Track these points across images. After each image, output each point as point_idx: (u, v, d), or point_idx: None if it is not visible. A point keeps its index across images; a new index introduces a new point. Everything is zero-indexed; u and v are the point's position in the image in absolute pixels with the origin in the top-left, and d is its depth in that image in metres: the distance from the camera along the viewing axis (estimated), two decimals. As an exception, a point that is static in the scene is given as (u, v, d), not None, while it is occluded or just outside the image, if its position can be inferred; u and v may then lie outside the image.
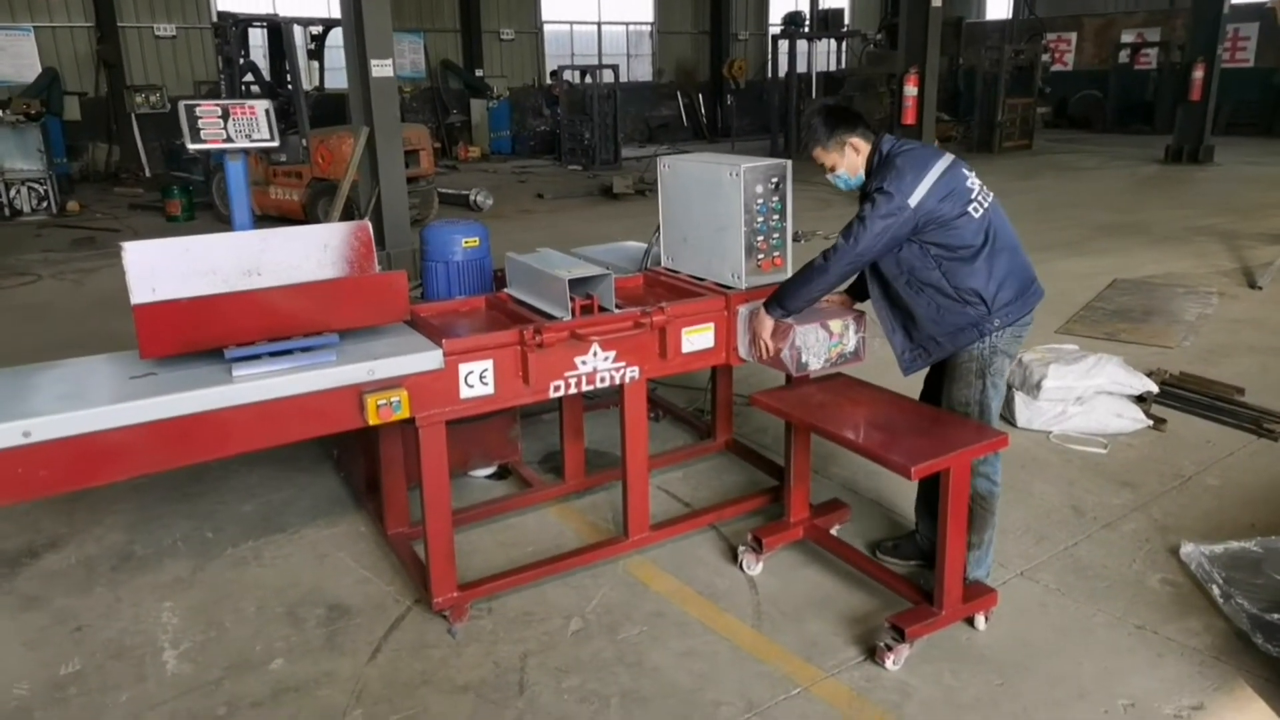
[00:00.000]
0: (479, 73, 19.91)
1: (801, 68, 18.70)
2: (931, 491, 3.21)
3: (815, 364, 3.21)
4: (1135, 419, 4.53)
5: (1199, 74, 14.44)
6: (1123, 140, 18.82)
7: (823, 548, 3.48)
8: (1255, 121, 18.92)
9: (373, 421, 2.75)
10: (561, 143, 17.43)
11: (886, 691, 2.80)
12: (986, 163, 15.77)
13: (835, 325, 3.23)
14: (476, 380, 2.93)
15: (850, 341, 3.26)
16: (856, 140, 3.06)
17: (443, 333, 2.96)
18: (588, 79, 17.19)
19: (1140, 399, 4.66)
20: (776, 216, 3.39)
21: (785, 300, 3.12)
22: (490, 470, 4.16)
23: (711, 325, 3.38)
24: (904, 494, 3.88)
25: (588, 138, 16.81)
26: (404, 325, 3.06)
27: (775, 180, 3.35)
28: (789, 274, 3.51)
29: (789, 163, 3.41)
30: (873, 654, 2.93)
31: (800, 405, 3.20)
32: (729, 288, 3.44)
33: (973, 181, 2.96)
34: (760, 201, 3.33)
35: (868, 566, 3.30)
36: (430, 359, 2.85)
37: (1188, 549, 3.42)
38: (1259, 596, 3.13)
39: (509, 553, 3.58)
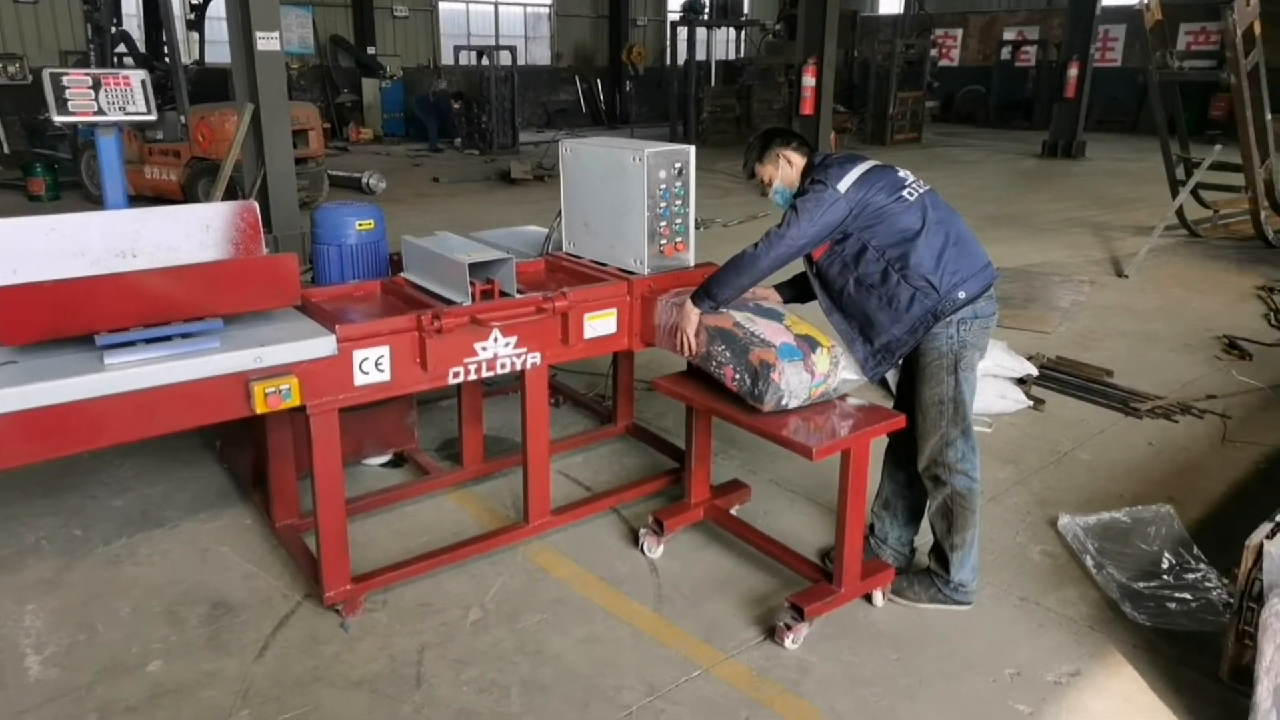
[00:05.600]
0: (371, 51, 19.30)
1: (701, 56, 18.81)
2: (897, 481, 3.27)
3: (794, 404, 2.90)
4: (1017, 400, 4.74)
5: (1073, 72, 15.19)
6: (1004, 135, 19.65)
7: (723, 528, 3.51)
8: (1122, 119, 20.04)
9: (260, 410, 2.63)
10: (456, 127, 17.04)
11: (786, 670, 2.84)
12: (880, 155, 15.91)
13: (821, 364, 2.90)
14: (372, 367, 2.84)
15: (834, 381, 2.97)
16: (789, 153, 3.11)
17: (336, 318, 2.85)
18: (484, 60, 16.88)
19: (1021, 381, 4.88)
20: (679, 202, 3.39)
21: (714, 290, 3.00)
22: (385, 458, 4.05)
23: (614, 310, 3.36)
24: (804, 474, 3.95)
25: (485, 121, 16.53)
26: (294, 310, 2.93)
27: (678, 166, 3.34)
28: (691, 261, 3.53)
29: (692, 148, 3.41)
30: (772, 634, 2.97)
31: (702, 389, 3.20)
32: (631, 273, 3.43)
33: (904, 173, 3.00)
34: (663, 187, 3.32)
35: (768, 546, 3.34)
36: (323, 345, 2.73)
37: (1064, 521, 3.61)
38: (1127, 565, 3.32)
39: (405, 542, 3.49)
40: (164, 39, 10.56)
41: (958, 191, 11.47)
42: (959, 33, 23.82)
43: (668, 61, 20.48)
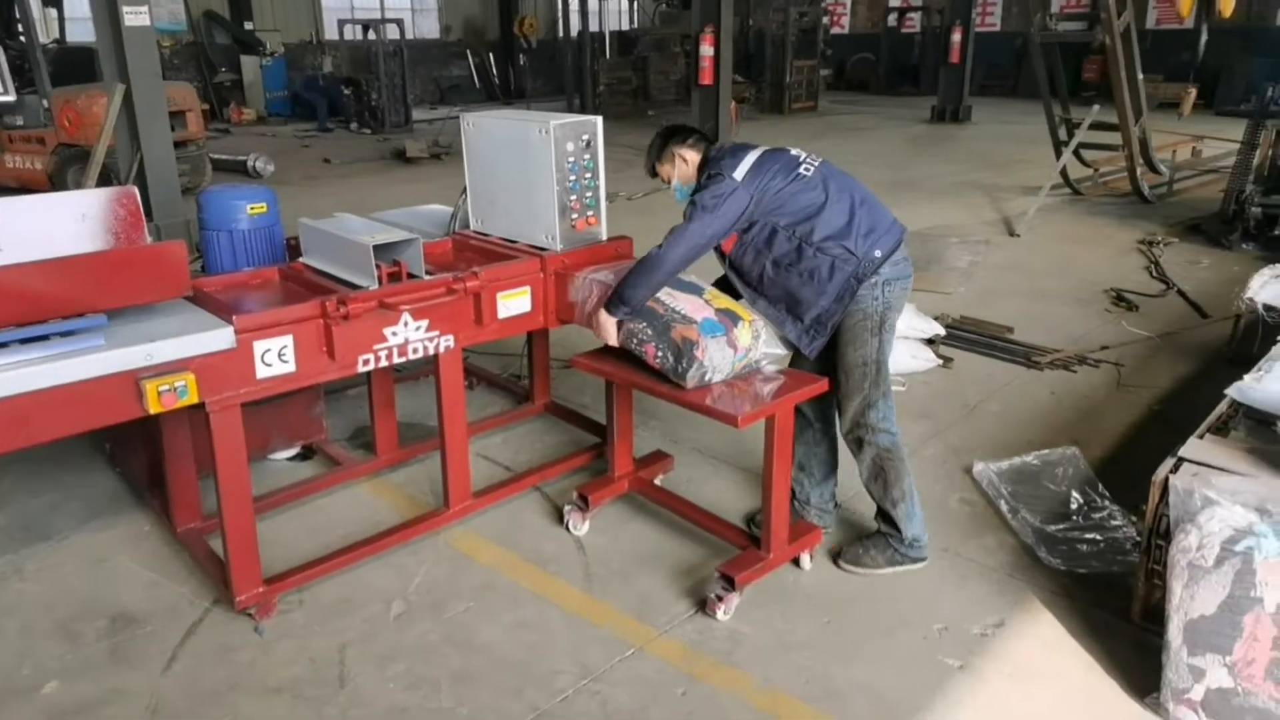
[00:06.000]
0: (249, 26, 18.40)
1: (594, 26, 18.59)
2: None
3: (717, 379, 2.89)
4: (928, 359, 4.85)
5: (957, 37, 15.60)
6: (894, 101, 20.08)
7: (649, 500, 3.49)
8: (1003, 83, 20.69)
9: (154, 410, 2.45)
10: (346, 106, 16.43)
11: (719, 642, 2.83)
12: (779, 124, 16.39)
13: (743, 338, 2.90)
14: (275, 358, 2.68)
15: (757, 353, 2.98)
16: (685, 151, 3.09)
17: (232, 308, 2.68)
18: (371, 35, 16.31)
19: (930, 341, 4.99)
20: (589, 175, 3.31)
21: (627, 295, 2.91)
22: (293, 451, 3.87)
23: (528, 289, 3.27)
24: (726, 441, 3.95)
25: (375, 99, 16.00)
26: (185, 302, 2.74)
27: (586, 138, 3.26)
28: (603, 234, 3.46)
29: (599, 119, 3.33)
30: (704, 606, 2.96)
31: (623, 365, 3.14)
32: (544, 249, 3.34)
33: (796, 151, 3.01)
34: (571, 160, 3.24)
35: (694, 515, 3.33)
36: (219, 338, 2.56)
37: (978, 467, 3.73)
38: (1039, 508, 3.45)
39: (320, 537, 3.34)
40: (16, 15, 9.79)
41: (856, 159, 11.67)
42: (848, 0, 24.18)
43: (560, 33, 20.14)
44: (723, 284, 3.20)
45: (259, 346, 2.65)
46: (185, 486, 3.21)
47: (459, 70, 22.16)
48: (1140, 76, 8.72)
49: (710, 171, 2.94)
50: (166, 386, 2.41)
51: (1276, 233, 6.97)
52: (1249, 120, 7.46)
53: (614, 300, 2.97)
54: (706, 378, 2.84)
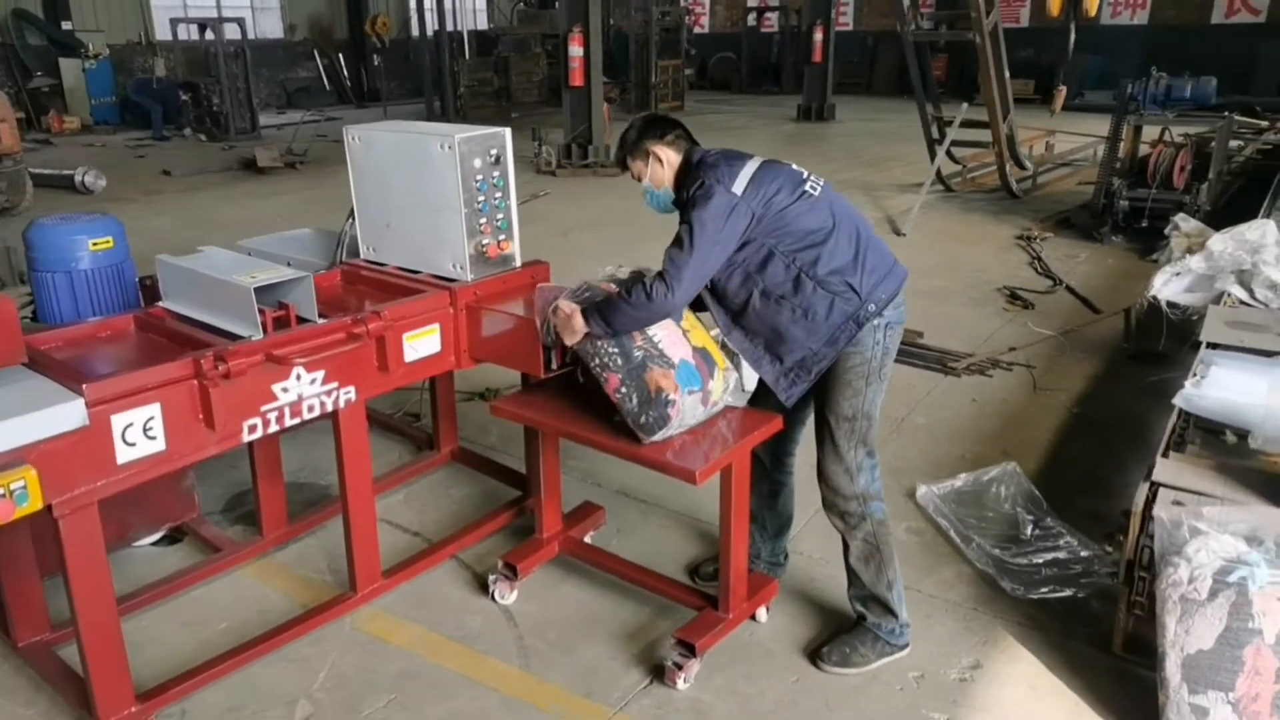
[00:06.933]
0: (67, 26, 16.75)
1: (451, 25, 17.92)
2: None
3: (677, 433, 2.56)
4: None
5: (819, 37, 15.82)
6: (759, 100, 20.27)
7: (581, 560, 3.14)
8: (858, 81, 21.26)
9: (-18, 520, 1.93)
10: (183, 112, 15.20)
11: (682, 715, 2.55)
12: (643, 123, 16.16)
13: (715, 391, 2.59)
14: (139, 434, 2.19)
15: (723, 403, 2.65)
16: (662, 149, 2.64)
17: (79, 373, 2.17)
18: (208, 35, 15.13)
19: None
20: (499, 194, 2.94)
21: (614, 323, 2.49)
22: (158, 535, 3.27)
23: (437, 326, 2.86)
24: (653, 480, 3.63)
25: (216, 104, 14.85)
26: (20, 368, 2.21)
27: (494, 152, 2.89)
28: (517, 259, 3.09)
29: (507, 130, 2.96)
30: (660, 674, 2.65)
31: (551, 411, 2.78)
32: (452, 280, 2.94)
33: (797, 167, 2.63)
34: (480, 178, 2.86)
35: (635, 575, 3.00)
36: (67, 414, 2.06)
37: (921, 491, 3.57)
38: (991, 532, 3.31)
39: (199, 635, 2.84)
40: None
41: (730, 158, 11.59)
42: (707, 0, 24.33)
43: (414, 32, 19.32)
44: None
45: (118, 422, 2.15)
46: (26, 594, 2.63)
47: (306, 72, 20.97)
48: (1007, 74, 8.95)
49: (703, 180, 2.48)
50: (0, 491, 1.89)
51: (1144, 225, 7.23)
52: (1112, 116, 7.73)
53: (597, 316, 2.51)
54: (670, 435, 2.50)
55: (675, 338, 2.55)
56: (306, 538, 3.33)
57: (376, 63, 20.75)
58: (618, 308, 2.48)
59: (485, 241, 2.93)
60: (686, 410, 2.49)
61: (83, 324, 2.64)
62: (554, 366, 2.79)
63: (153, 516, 3.18)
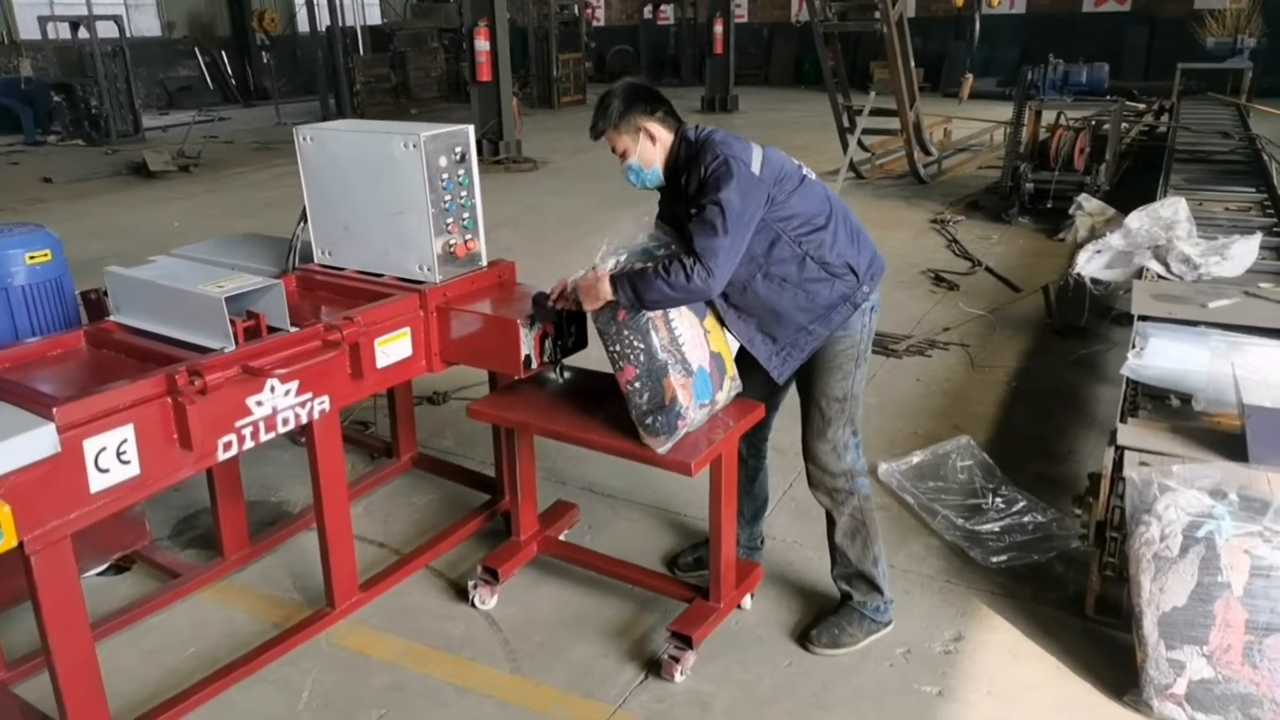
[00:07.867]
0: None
1: (343, 21, 17.37)
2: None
3: (682, 432, 2.51)
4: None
5: (719, 29, 15.96)
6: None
7: (561, 560, 3.10)
8: (755, 72, 21.58)
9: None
10: (57, 114, 14.32)
11: (685, 708, 2.55)
12: (551, 119, 16.04)
13: (721, 399, 2.60)
14: (112, 459, 2.05)
15: (722, 405, 2.65)
16: (653, 126, 2.53)
17: (44, 395, 2.03)
18: (81, 33, 14.28)
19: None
20: (464, 193, 2.87)
21: (645, 297, 2.39)
22: (104, 565, 3.06)
23: (407, 330, 2.78)
24: (617, 473, 3.62)
25: (95, 105, 14.04)
26: (-33, 396, 2.05)
27: (459, 150, 2.82)
28: (484, 258, 3.02)
29: (470, 128, 2.89)
30: (654, 668, 2.65)
31: (530, 410, 2.74)
32: (419, 282, 2.85)
33: (783, 152, 2.61)
34: (445, 177, 2.78)
35: (618, 570, 2.99)
36: (37, 441, 1.91)
37: (883, 468, 3.65)
38: (952, 503, 3.43)
39: (165, 663, 2.71)
40: None
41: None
42: (602, -7, 24.28)
43: (301, 28, 18.67)
44: None
45: (91, 446, 2.01)
46: (-20, 632, 2.46)
47: (188, 70, 20.03)
48: (913, 63, 9.22)
49: (724, 158, 2.38)
50: (-27, 533, 1.75)
51: (1049, 205, 7.57)
52: (1014, 102, 8.06)
53: (628, 287, 2.40)
54: (677, 433, 2.48)
55: (697, 339, 2.52)
56: (267, 557, 3.18)
57: (264, 59, 19.97)
58: (652, 283, 2.37)
59: (453, 241, 2.86)
60: (694, 423, 2.50)
61: (28, 343, 2.45)
62: (533, 366, 2.75)
63: (102, 546, 2.98)
